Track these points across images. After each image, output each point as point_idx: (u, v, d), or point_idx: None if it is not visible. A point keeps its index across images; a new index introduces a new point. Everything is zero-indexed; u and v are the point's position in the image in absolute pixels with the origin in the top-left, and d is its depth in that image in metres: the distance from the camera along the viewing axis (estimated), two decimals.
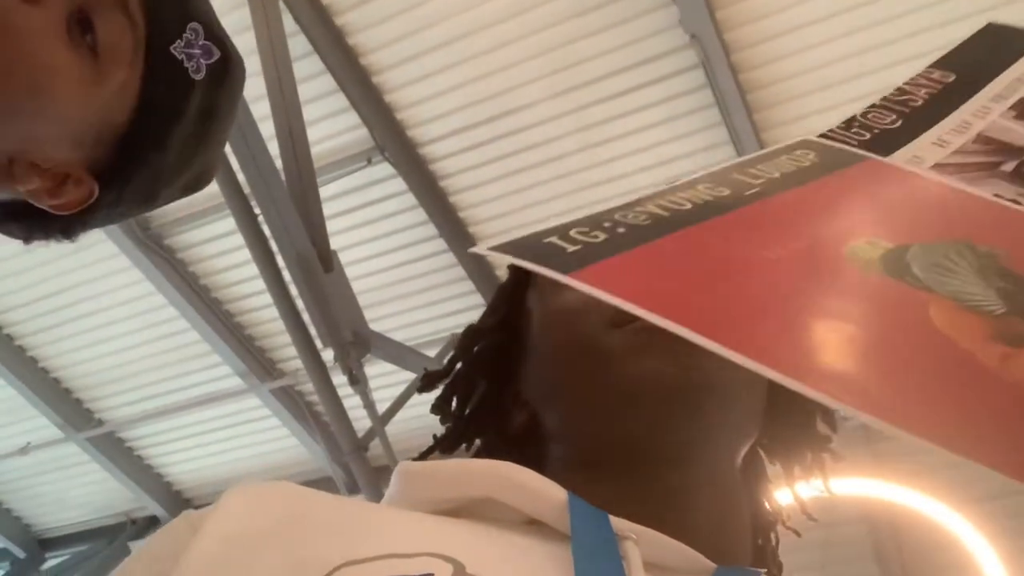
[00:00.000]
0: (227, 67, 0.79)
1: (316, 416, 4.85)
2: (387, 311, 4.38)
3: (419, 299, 4.43)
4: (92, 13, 0.72)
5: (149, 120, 0.77)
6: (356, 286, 3.67)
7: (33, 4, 0.69)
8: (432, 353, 4.10)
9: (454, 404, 0.71)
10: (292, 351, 4.42)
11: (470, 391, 0.71)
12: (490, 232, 4.20)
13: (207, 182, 0.86)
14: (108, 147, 0.77)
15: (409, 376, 4.00)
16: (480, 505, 0.55)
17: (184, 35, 0.76)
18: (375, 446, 3.91)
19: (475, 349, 0.72)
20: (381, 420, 3.66)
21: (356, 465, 3.70)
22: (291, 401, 4.91)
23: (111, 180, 0.79)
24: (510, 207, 4.10)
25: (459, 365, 0.72)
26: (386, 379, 4.30)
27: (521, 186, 4.02)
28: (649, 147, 3.81)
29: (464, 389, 0.71)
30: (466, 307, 4.39)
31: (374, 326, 3.71)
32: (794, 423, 0.68)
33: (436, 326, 4.44)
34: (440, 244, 4.21)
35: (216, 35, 0.78)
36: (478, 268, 4.26)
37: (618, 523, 0.52)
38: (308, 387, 4.74)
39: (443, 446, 0.71)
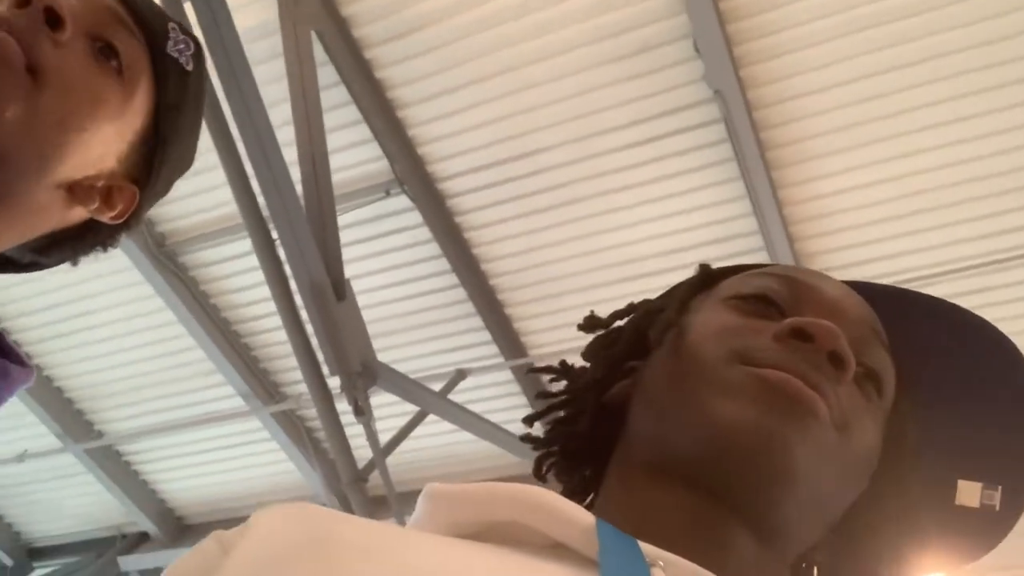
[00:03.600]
0: (200, 53, 0.87)
1: (315, 442, 4.84)
2: (394, 342, 4.39)
3: (427, 332, 4.44)
4: (108, 36, 0.78)
5: (163, 117, 0.84)
6: (365, 315, 3.68)
7: (60, 46, 0.74)
8: (436, 387, 4.10)
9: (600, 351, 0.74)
10: (295, 375, 4.43)
11: (612, 349, 0.73)
12: (502, 270, 4.22)
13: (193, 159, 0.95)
14: (135, 151, 0.83)
15: (412, 409, 4.00)
16: (506, 528, 0.55)
17: (170, 35, 0.83)
18: (373, 477, 3.90)
19: (635, 319, 0.74)
20: (383, 452, 3.66)
21: (354, 495, 3.68)
22: (291, 426, 4.90)
23: (143, 180, 0.85)
24: (524, 247, 4.12)
25: (619, 322, 0.75)
26: (388, 410, 4.30)
27: (536, 227, 4.04)
28: (665, 197, 3.84)
29: (610, 344, 0.74)
30: (473, 343, 4.40)
31: (380, 356, 3.72)
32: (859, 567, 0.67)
33: (442, 360, 4.45)
34: (452, 279, 4.23)
35: (185, 29, 0.86)
36: (488, 305, 4.27)
37: (647, 549, 0.52)
38: (309, 412, 4.74)
39: (575, 389, 0.74)
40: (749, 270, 0.73)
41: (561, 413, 0.73)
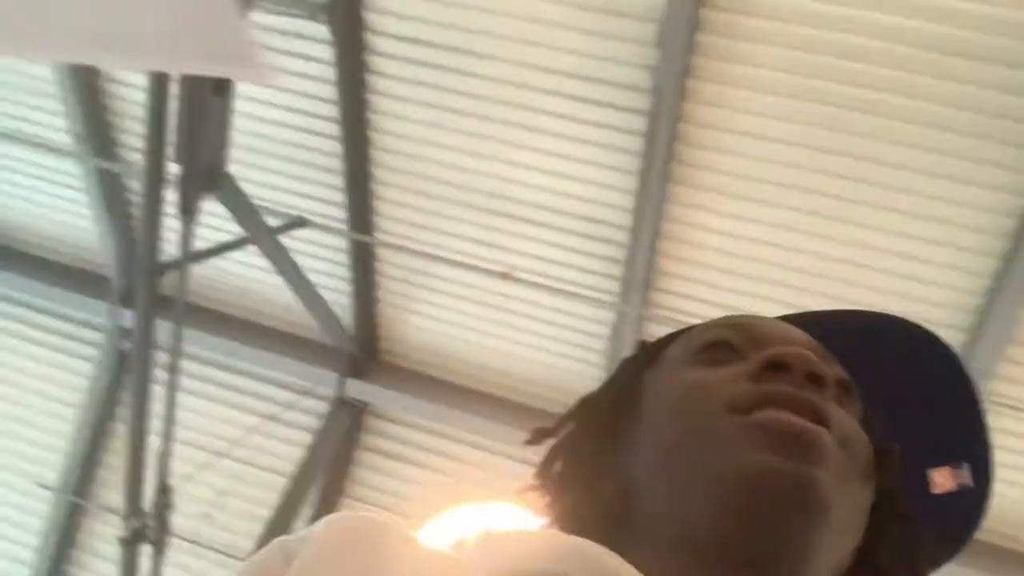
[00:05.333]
0: None
1: (126, 217, 4.61)
2: (250, 160, 4.20)
3: (287, 167, 4.28)
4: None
5: None
6: (236, 122, 3.49)
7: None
8: (273, 222, 3.97)
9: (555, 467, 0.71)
10: (136, 143, 4.18)
11: (574, 455, 0.71)
12: (386, 145, 4.12)
13: None
14: None
15: (237, 231, 3.86)
16: None
17: None
18: (167, 278, 3.74)
19: (588, 416, 0.72)
20: (192, 256, 3.51)
21: (143, 285, 3.51)
22: (111, 190, 4.62)
23: None
24: (418, 135, 4.03)
25: (567, 427, 0.72)
26: (213, 221, 4.12)
27: (438, 122, 3.95)
28: (563, 157, 3.84)
29: (569, 452, 0.71)
30: (327, 199, 4.29)
31: (232, 168, 3.55)
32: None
33: (289, 200, 4.31)
34: (335, 129, 4.09)
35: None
36: (357, 171, 4.16)
37: None
38: (134, 185, 4.50)
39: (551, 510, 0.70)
40: (687, 331, 0.73)
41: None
